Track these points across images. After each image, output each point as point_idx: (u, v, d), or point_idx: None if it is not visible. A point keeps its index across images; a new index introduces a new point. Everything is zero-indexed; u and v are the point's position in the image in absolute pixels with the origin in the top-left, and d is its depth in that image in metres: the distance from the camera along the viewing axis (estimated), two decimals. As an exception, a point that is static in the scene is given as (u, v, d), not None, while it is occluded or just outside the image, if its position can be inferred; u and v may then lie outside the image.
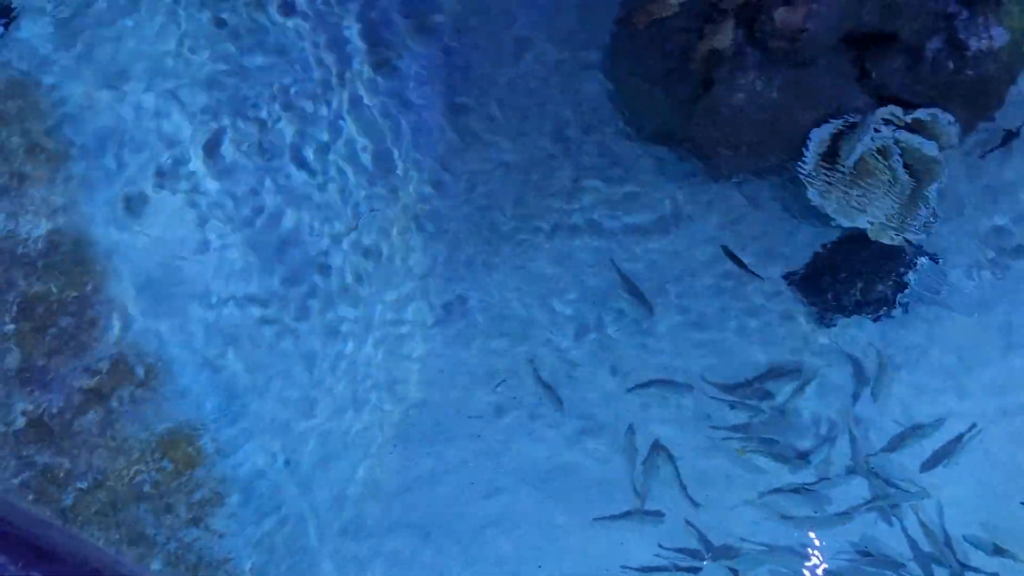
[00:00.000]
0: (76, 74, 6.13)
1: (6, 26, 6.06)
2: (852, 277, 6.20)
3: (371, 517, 6.11)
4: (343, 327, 6.29)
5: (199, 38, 6.39)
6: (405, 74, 6.66)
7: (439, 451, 6.22)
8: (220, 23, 6.44)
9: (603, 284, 6.42)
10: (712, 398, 6.18)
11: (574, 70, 6.69)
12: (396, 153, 6.54)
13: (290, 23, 6.50)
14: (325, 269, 6.33)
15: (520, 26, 6.75)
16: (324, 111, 6.50)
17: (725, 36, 6.03)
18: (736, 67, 6.01)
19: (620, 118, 6.62)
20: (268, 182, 6.34)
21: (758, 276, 6.29)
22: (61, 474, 5.73)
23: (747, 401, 6.14)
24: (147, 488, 5.83)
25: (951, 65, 5.89)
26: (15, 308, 5.85)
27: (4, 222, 5.82)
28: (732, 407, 6.15)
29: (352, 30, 6.60)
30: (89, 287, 5.94)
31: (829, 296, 6.20)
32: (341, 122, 6.51)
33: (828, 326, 6.27)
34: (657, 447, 6.13)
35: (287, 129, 6.42)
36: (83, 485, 5.73)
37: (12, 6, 6.09)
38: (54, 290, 5.92)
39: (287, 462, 6.11)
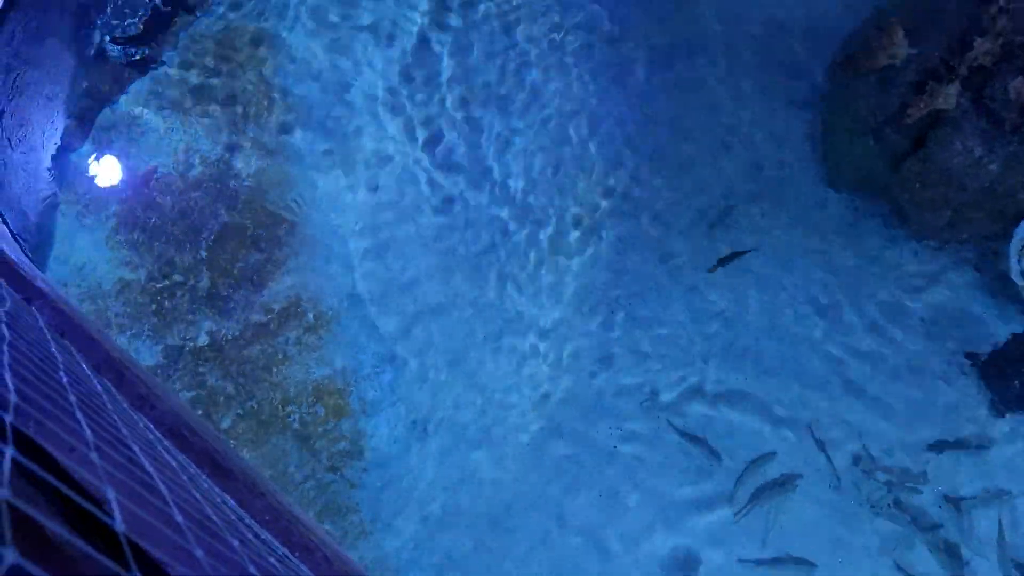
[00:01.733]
0: (314, 32, 6.52)
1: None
2: (1040, 373, 5.82)
3: (495, 505, 6.19)
4: (510, 318, 6.41)
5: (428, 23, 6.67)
6: (611, 87, 6.73)
7: (573, 457, 6.24)
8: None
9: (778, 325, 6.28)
10: (864, 472, 5.94)
11: (781, 104, 6.56)
12: (591, 157, 6.61)
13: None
14: (504, 261, 6.47)
15: (734, 52, 6.68)
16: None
17: (951, 97, 5.79)
18: (957, 131, 5.76)
19: (821, 160, 6.45)
20: (471, 169, 6.55)
21: (749, 250, 6.25)
22: (223, 397, 6.11)
23: (905, 483, 5.88)
24: (296, 427, 6.13)
25: None
26: (213, 237, 6.29)
27: (222, 153, 6.26)
28: (889, 489, 5.89)
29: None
30: (282, 229, 6.30)
31: (1013, 387, 5.84)
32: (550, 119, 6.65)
33: (1003, 417, 5.91)
34: (788, 481, 5.96)
35: (497, 122, 6.62)
36: (240, 411, 6.09)
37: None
38: (250, 226, 6.31)
39: (425, 431, 6.28)
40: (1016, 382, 5.80)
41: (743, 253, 6.29)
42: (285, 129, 6.37)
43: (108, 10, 6.20)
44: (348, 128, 6.55)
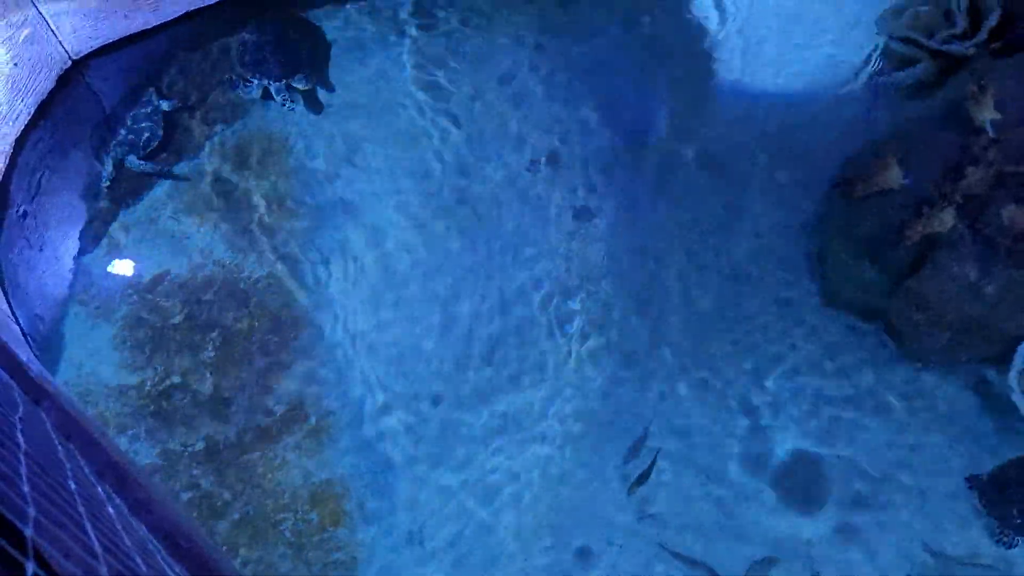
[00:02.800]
0: (325, 146, 6.76)
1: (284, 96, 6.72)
2: (1043, 498, 5.76)
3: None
4: (505, 429, 6.40)
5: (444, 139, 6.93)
6: (612, 212, 6.93)
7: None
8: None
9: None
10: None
11: (779, 225, 6.72)
12: (594, 282, 6.74)
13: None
14: (496, 364, 6.52)
15: (733, 174, 6.88)
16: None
17: (945, 222, 5.95)
18: (952, 255, 5.89)
19: (819, 279, 6.57)
20: (468, 285, 6.67)
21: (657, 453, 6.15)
22: (219, 502, 6.05)
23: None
24: (289, 535, 6.05)
25: None
26: (220, 339, 6.36)
27: (234, 258, 6.40)
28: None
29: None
30: (290, 334, 6.38)
31: (1013, 512, 5.77)
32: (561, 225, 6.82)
33: (1004, 543, 5.82)
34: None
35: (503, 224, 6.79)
36: (236, 517, 6.02)
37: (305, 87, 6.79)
38: (257, 330, 6.39)
39: (422, 543, 6.19)
40: (1015, 507, 5.74)
41: (653, 462, 6.21)
42: (297, 237, 6.53)
43: (127, 123, 6.46)
44: (359, 238, 6.70)
